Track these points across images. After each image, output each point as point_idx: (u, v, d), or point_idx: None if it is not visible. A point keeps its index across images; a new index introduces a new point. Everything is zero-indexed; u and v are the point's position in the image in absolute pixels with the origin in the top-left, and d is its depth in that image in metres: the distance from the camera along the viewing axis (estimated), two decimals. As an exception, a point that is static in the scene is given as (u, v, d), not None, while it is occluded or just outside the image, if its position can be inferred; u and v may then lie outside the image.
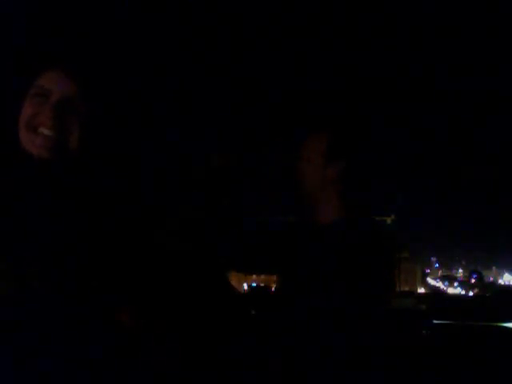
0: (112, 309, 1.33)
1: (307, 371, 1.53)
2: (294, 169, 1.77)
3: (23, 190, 1.31)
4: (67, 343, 1.25)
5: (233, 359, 1.49)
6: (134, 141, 1.65)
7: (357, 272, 1.57)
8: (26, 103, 1.35)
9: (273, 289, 1.98)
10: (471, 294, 65.66)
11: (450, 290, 77.41)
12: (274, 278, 1.83)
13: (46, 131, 1.32)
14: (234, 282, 1.71)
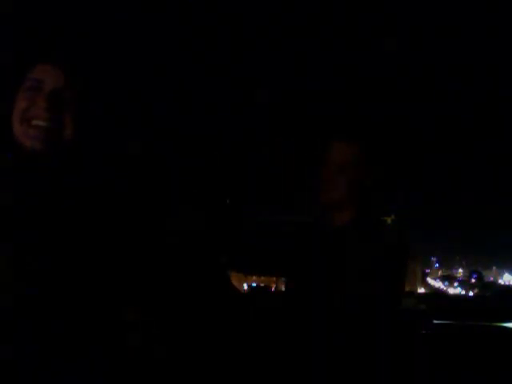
0: (115, 306, 1.33)
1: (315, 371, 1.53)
2: (320, 175, 1.75)
3: (19, 182, 1.31)
4: (67, 343, 1.25)
5: (233, 358, 1.49)
6: (130, 135, 1.65)
7: (373, 273, 1.58)
8: (19, 97, 1.36)
9: (273, 289, 1.97)
10: (471, 294, 65.67)
11: (450, 290, 77.37)
12: (274, 278, 1.83)
13: (40, 123, 1.33)
14: (233, 282, 1.71)
